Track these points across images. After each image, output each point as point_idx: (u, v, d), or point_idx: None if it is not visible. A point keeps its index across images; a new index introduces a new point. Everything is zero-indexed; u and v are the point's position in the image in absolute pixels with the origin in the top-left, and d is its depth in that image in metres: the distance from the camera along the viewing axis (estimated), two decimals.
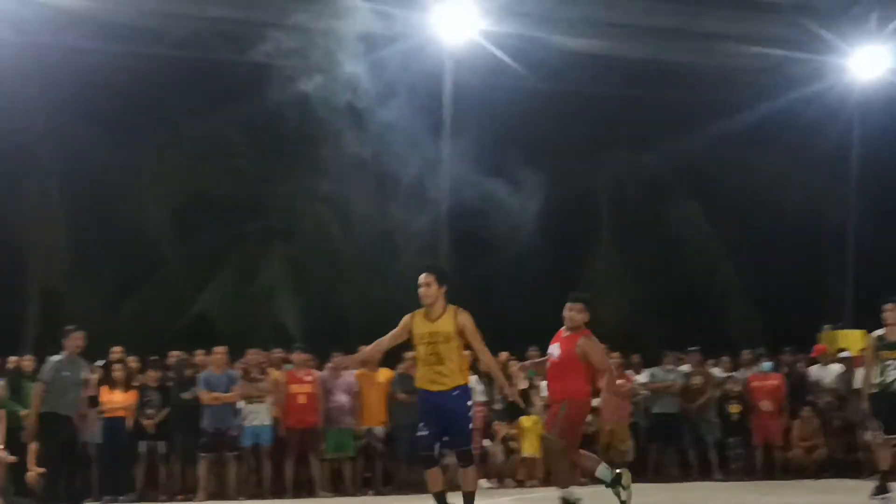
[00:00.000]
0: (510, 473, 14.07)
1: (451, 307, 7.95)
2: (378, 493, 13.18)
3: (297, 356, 13.49)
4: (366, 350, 8.87)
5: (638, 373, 15.13)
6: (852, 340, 16.21)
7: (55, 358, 11.05)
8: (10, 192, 18.94)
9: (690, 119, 19.62)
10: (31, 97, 18.60)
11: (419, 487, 13.08)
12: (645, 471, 14.62)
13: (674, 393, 14.73)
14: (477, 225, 17.96)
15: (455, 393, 7.83)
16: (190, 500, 12.57)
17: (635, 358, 15.49)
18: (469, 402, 7.97)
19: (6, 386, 12.27)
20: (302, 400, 13.16)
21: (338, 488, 13.30)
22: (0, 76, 16.88)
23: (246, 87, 18.14)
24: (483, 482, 13.73)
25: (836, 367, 15.24)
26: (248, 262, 19.99)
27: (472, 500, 7.87)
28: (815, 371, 15.50)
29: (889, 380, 10.35)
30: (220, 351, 13.00)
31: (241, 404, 12.85)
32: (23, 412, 11.63)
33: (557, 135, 18.91)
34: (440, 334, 7.83)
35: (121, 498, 12.49)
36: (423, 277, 7.96)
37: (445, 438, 7.95)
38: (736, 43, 18.52)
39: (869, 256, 19.36)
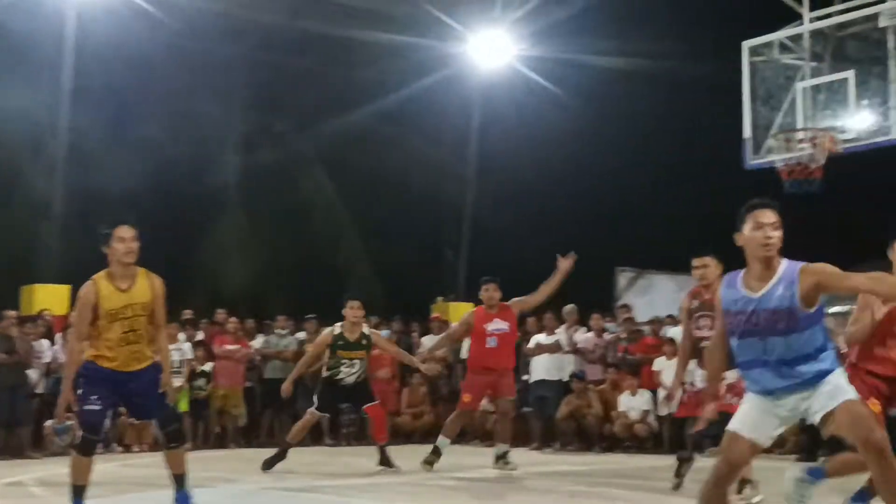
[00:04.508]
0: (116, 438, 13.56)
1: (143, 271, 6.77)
2: None
3: None
4: None
5: (252, 338, 15.15)
6: (462, 312, 17.04)
7: None
8: None
9: (324, 92, 19.85)
10: None
11: None
12: (258, 435, 14.72)
13: (287, 358, 14.81)
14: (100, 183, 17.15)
15: None
16: None
17: (249, 324, 15.51)
18: None
19: None
20: None
21: None
22: None
23: None
24: None
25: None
26: None
27: None
28: (426, 341, 16.11)
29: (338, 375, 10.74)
30: None
31: None
32: None
33: (189, 95, 18.48)
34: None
35: None
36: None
37: None
38: (362, 23, 18.70)
39: (483, 235, 20.51)
